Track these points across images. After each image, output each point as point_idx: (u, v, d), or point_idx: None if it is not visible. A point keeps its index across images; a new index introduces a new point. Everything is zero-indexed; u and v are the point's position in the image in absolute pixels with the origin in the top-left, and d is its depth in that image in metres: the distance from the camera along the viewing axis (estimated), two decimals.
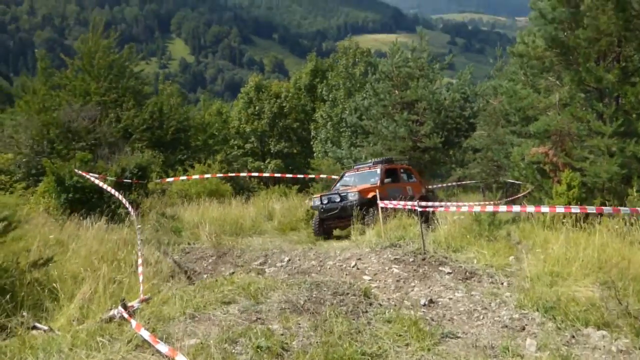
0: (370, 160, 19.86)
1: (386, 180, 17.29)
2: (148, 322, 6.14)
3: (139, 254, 9.37)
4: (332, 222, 16.69)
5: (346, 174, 19.08)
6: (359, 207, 15.45)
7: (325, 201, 16.40)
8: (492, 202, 14.86)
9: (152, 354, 5.16)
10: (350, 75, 38.76)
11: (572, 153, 15.72)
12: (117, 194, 13.97)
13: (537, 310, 7.45)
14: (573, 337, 6.71)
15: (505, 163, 20.28)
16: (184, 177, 22.59)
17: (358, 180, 17.77)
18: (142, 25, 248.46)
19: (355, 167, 19.46)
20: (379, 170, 17.32)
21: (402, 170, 18.93)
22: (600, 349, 6.40)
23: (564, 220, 12.93)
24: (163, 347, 4.94)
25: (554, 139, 16.41)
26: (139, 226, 14.12)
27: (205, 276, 11.25)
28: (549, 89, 17.37)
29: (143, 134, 29.73)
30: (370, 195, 15.85)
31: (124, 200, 13.32)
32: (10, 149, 23.80)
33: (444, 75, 26.65)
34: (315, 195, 17.72)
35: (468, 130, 24.73)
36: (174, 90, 42.47)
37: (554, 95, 16.81)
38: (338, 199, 16.13)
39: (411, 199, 15.37)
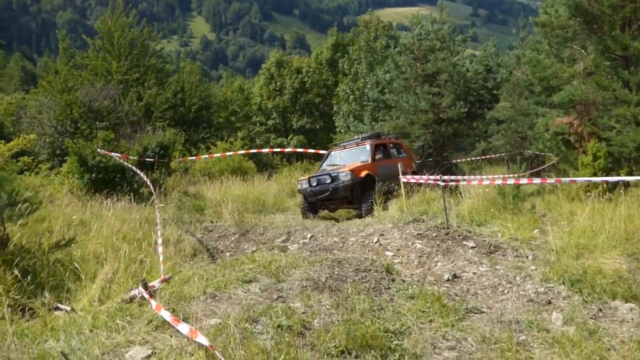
0: (357, 136, 18.93)
1: (377, 156, 16.37)
2: (168, 302, 6.10)
3: (159, 233, 9.32)
4: (323, 205, 15.70)
5: (333, 152, 17.83)
6: (351, 188, 14.65)
7: (315, 183, 15.11)
8: (515, 175, 14.66)
9: (172, 335, 5.10)
10: (371, 49, 38.32)
11: (598, 123, 15.46)
12: (140, 173, 13.99)
13: (563, 283, 7.31)
14: (600, 310, 6.57)
15: (529, 134, 19.97)
16: (206, 156, 22.53)
17: (347, 158, 16.66)
18: (162, 4, 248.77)
19: (341, 144, 18.20)
20: (368, 147, 16.27)
21: (391, 145, 17.92)
22: (628, 322, 6.26)
23: (589, 192, 12.75)
24: (184, 328, 4.88)
25: (578, 109, 16.15)
26: (160, 205, 14.20)
27: (227, 254, 11.19)
28: (573, 58, 17.09)
29: (165, 112, 29.82)
30: (363, 174, 14.87)
31: (146, 180, 13.33)
32: (34, 130, 23.86)
33: (466, 47, 26.28)
34: (302, 178, 16.45)
35: (491, 101, 24.40)
36: (195, 68, 42.22)
37: (578, 64, 16.52)
38: (329, 180, 14.76)
39: (404, 174, 14.43)
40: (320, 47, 52.22)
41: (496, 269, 8.30)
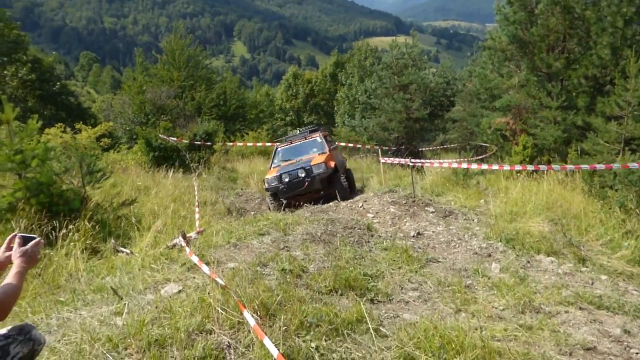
0: (301, 131, 14.78)
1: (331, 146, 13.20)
2: (200, 249, 5.74)
3: (196, 197, 8.98)
4: (297, 199, 11.31)
5: (279, 149, 13.20)
6: (324, 180, 11.39)
7: (287, 179, 11.24)
8: (466, 160, 14.28)
9: (200, 275, 4.75)
10: (362, 66, 37.90)
11: (527, 122, 15.22)
12: (184, 151, 13.73)
13: (500, 241, 6.93)
14: (528, 262, 6.22)
15: (476, 130, 19.67)
16: (241, 143, 22.11)
17: (298, 152, 12.67)
18: (212, 31, 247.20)
19: (287, 139, 13.81)
20: (319, 139, 12.84)
21: (327, 138, 13.92)
22: (549, 272, 5.91)
23: (520, 172, 12.42)
24: (206, 269, 4.52)
25: (513, 112, 15.93)
26: (202, 176, 13.89)
27: (252, 213, 10.88)
28: (510, 74, 16.76)
29: (211, 109, 29.74)
30: (332, 164, 11.60)
31: (187, 157, 13.10)
32: (117, 121, 24.26)
33: (431, 66, 25.98)
34: (268, 175, 11.75)
35: (449, 105, 24.30)
36: (235, 79, 42.09)
37: (514, 79, 16.21)
38: (303, 174, 11.21)
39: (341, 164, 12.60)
40: (325, 64, 51.94)
41: (450, 229, 7.92)
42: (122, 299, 4.24)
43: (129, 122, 24.06)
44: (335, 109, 40.42)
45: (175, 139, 15.16)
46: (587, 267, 6.07)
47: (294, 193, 11.13)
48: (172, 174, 12.87)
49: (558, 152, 14.22)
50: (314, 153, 12.27)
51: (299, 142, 12.98)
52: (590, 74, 14.32)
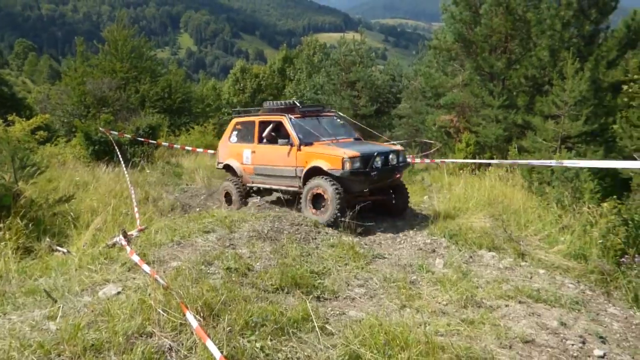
0: (293, 99, 11.56)
1: None
2: (142, 248, 5.55)
3: (132, 193, 8.73)
4: (366, 198, 8.17)
5: (293, 119, 8.47)
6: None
7: (379, 162, 7.69)
8: (412, 156, 14.51)
9: (141, 276, 4.58)
10: (310, 62, 37.86)
11: (470, 120, 15.60)
12: (116, 148, 13.24)
13: (444, 236, 7.08)
14: (471, 257, 6.37)
15: (421, 127, 19.98)
16: (177, 146, 21.56)
17: (324, 131, 8.73)
18: (158, 22, 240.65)
19: (299, 109, 8.88)
20: (339, 120, 9.74)
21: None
22: (491, 266, 6.08)
23: (462, 169, 12.71)
24: (147, 269, 4.37)
25: (457, 110, 16.27)
26: (145, 171, 13.50)
27: (197, 209, 10.63)
28: (454, 73, 17.13)
29: (156, 102, 28.99)
30: None
31: (118, 153, 12.66)
32: (55, 113, 23.26)
33: (379, 63, 26.25)
34: (345, 154, 7.43)
35: (395, 102, 24.48)
36: (181, 71, 41.20)
37: (458, 77, 16.55)
38: (395, 161, 8.07)
39: None
40: (273, 59, 51.56)
41: (396, 225, 8.03)
42: (56, 301, 4.04)
43: (68, 114, 23.07)
44: None
45: (116, 132, 14.66)
46: (526, 261, 6.29)
47: (377, 185, 7.96)
48: (112, 169, 12.44)
49: (499, 149, 14.67)
50: (347, 136, 8.98)
51: (318, 118, 9.12)
52: (530, 74, 14.84)
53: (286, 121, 8.45)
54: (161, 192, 11.36)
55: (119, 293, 4.17)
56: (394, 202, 8.52)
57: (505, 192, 10.08)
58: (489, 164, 13.28)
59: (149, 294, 3.91)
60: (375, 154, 7.64)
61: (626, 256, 6.02)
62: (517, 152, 13.16)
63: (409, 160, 8.69)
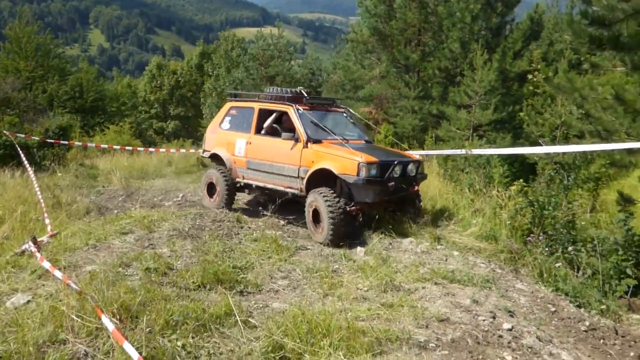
0: (299, 89, 8.32)
1: None
2: (55, 254, 5.30)
3: (39, 196, 8.31)
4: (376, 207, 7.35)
5: (302, 111, 7.48)
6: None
7: (398, 172, 6.91)
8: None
9: (53, 283, 4.38)
10: (229, 57, 37.36)
11: (388, 112, 15.99)
12: (21, 152, 12.51)
13: (365, 226, 7.24)
14: (390, 244, 6.61)
15: None
16: (92, 144, 20.66)
17: (341, 128, 7.94)
18: (65, 18, 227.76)
19: (307, 100, 7.88)
20: (349, 116, 8.46)
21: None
22: (409, 251, 6.33)
23: None
24: (59, 275, 4.19)
25: (375, 102, 16.63)
26: (57, 174, 12.87)
27: (115, 212, 10.24)
28: (371, 66, 17.49)
29: (66, 102, 27.65)
30: None
31: (23, 158, 11.97)
32: None
33: (298, 57, 26.37)
34: (362, 160, 6.52)
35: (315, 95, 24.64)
36: (92, 69, 39.42)
37: (375, 70, 16.92)
38: (414, 172, 7.29)
39: None
40: (191, 55, 50.41)
41: None
42: None
43: None
44: (202, 100, 39.56)
45: (23, 135, 13.83)
46: (441, 245, 6.60)
47: (393, 197, 7.01)
48: (21, 174, 11.72)
49: (416, 139, 15.19)
50: (359, 137, 8.06)
51: (327, 113, 8.07)
52: (443, 65, 15.46)
53: (293, 112, 7.38)
54: (75, 196, 10.83)
55: (28, 302, 3.97)
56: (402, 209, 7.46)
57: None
58: None
59: (60, 301, 3.76)
60: (395, 162, 6.81)
61: (532, 235, 6.50)
62: (434, 141, 13.71)
63: (424, 173, 7.72)
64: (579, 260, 5.89)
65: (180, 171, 16.65)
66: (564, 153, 9.43)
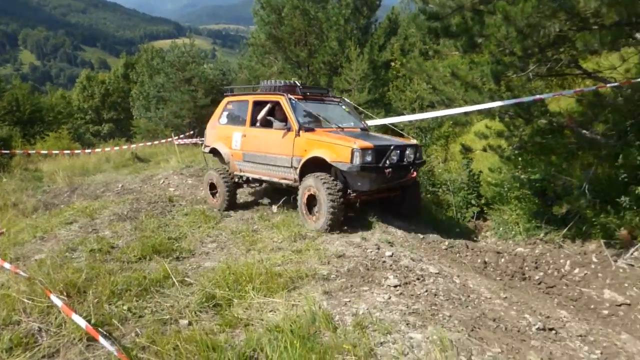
0: (293, 80, 7.04)
1: None
2: (3, 249, 4.77)
3: None
4: (371, 197, 5.80)
5: (291, 99, 6.07)
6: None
7: (395, 158, 5.38)
8: None
9: (2, 274, 3.94)
10: (150, 65, 35.00)
11: None
12: None
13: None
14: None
15: None
16: (33, 151, 18.78)
17: (337, 117, 6.46)
18: None
19: (301, 90, 6.45)
20: (346, 107, 7.10)
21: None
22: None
23: None
24: (7, 266, 3.77)
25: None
26: (2, 180, 11.58)
27: (61, 206, 9.38)
28: (270, 64, 17.18)
29: (5, 116, 24.84)
30: None
31: None
32: None
33: (209, 62, 25.41)
34: (355, 145, 5.05)
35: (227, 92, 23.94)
36: (26, 85, 35.50)
37: (274, 67, 16.65)
38: (412, 156, 5.67)
39: None
40: (117, 66, 46.87)
41: (242, 189, 7.96)
42: None
43: None
44: (131, 104, 37.11)
45: None
46: None
47: (391, 184, 5.53)
48: None
49: None
50: (353, 124, 6.65)
51: (321, 103, 6.64)
52: (326, 60, 15.52)
53: (285, 101, 5.99)
54: (21, 197, 9.80)
55: None
56: (404, 201, 6.07)
57: None
58: None
59: (10, 288, 3.39)
60: (392, 147, 5.30)
61: None
62: None
63: (423, 159, 6.11)
64: (439, 197, 6.25)
65: (117, 165, 15.53)
66: (421, 119, 9.87)
